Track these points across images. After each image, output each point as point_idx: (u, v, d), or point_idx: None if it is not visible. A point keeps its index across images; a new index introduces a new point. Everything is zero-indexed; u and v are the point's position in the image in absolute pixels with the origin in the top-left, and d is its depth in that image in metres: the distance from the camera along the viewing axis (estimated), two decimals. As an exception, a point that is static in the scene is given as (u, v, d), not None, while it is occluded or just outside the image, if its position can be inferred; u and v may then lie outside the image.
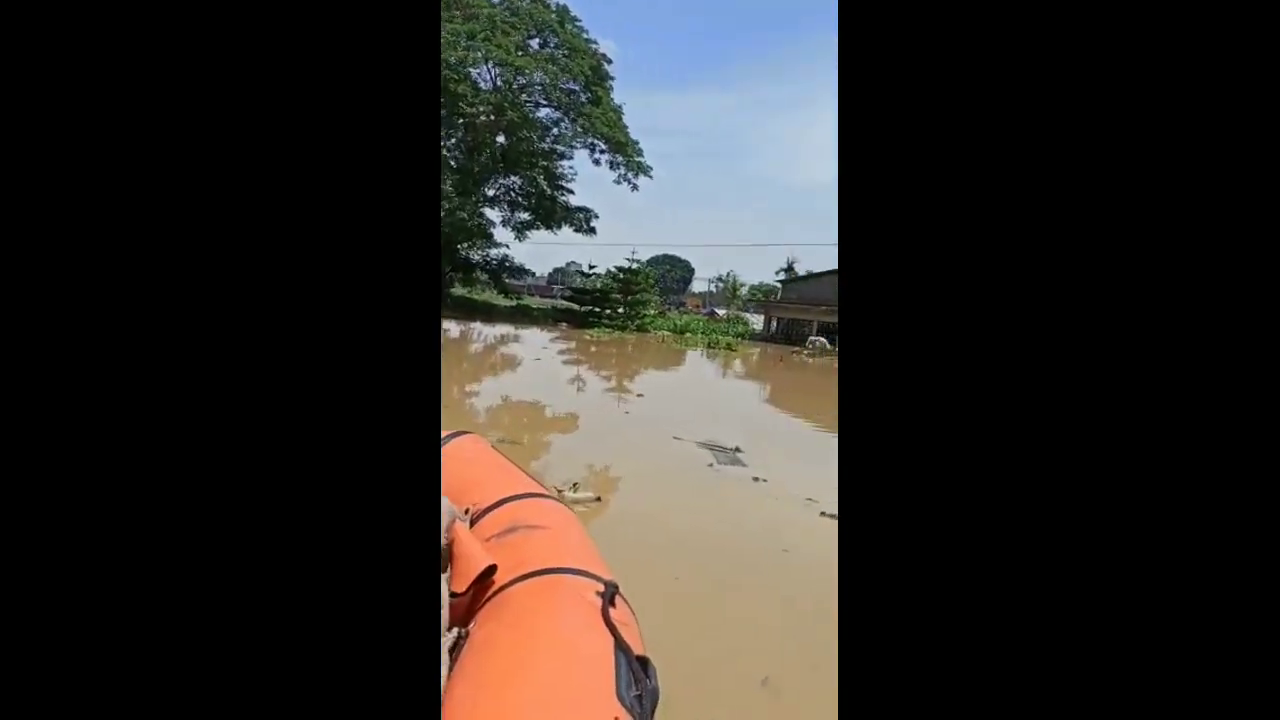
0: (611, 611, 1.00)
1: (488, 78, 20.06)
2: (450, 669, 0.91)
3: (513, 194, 22.11)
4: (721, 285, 45.41)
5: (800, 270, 29.35)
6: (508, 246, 26.48)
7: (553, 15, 20.23)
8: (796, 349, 18.64)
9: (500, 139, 20.66)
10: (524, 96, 20.16)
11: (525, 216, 22.19)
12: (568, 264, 51.96)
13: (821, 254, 44.75)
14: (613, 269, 22.86)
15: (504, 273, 23.97)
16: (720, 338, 19.45)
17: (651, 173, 21.61)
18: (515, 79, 19.60)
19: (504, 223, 22.23)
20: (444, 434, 1.57)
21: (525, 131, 19.94)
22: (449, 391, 5.84)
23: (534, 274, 44.84)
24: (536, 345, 12.41)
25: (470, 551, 1.11)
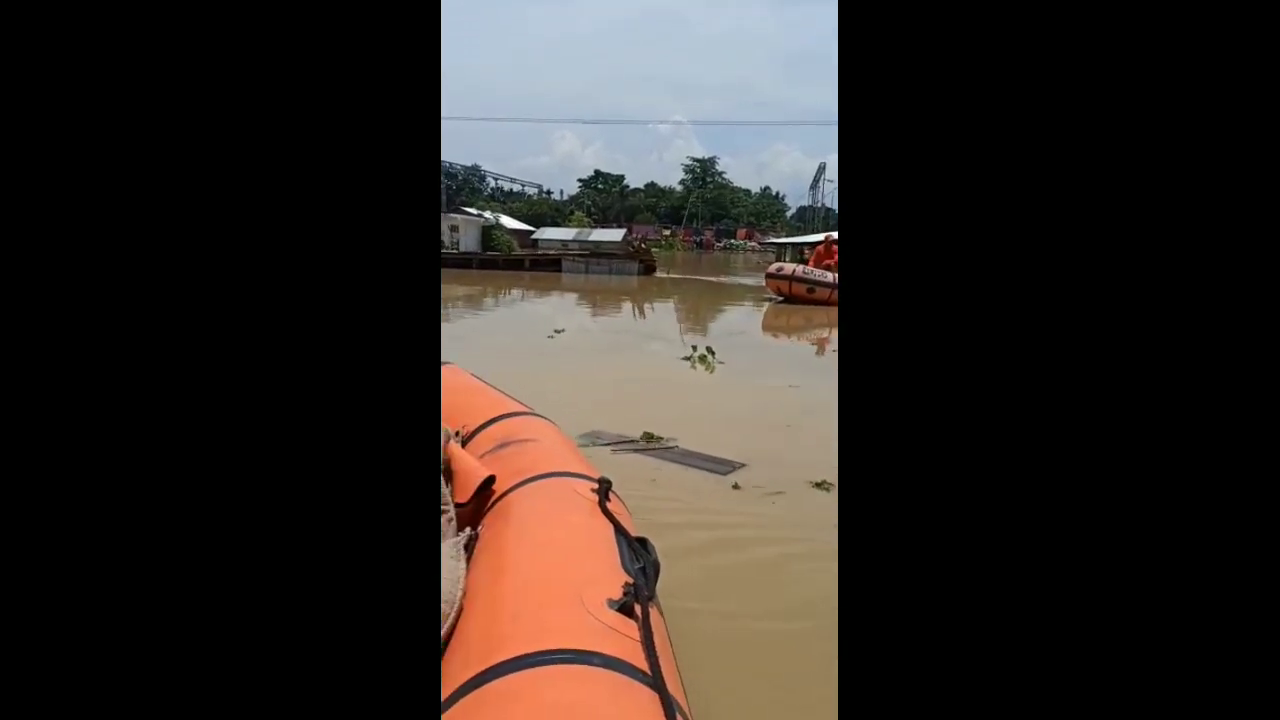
0: (608, 504, 1.13)
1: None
2: (468, 563, 1.01)
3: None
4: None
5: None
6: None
7: None
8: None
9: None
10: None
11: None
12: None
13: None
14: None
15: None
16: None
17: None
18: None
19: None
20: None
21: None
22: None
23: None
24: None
25: (467, 466, 1.22)
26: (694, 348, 5.19)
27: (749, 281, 13.79)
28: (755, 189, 68.60)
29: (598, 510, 1.12)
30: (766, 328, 8.16)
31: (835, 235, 11.59)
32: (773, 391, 4.40)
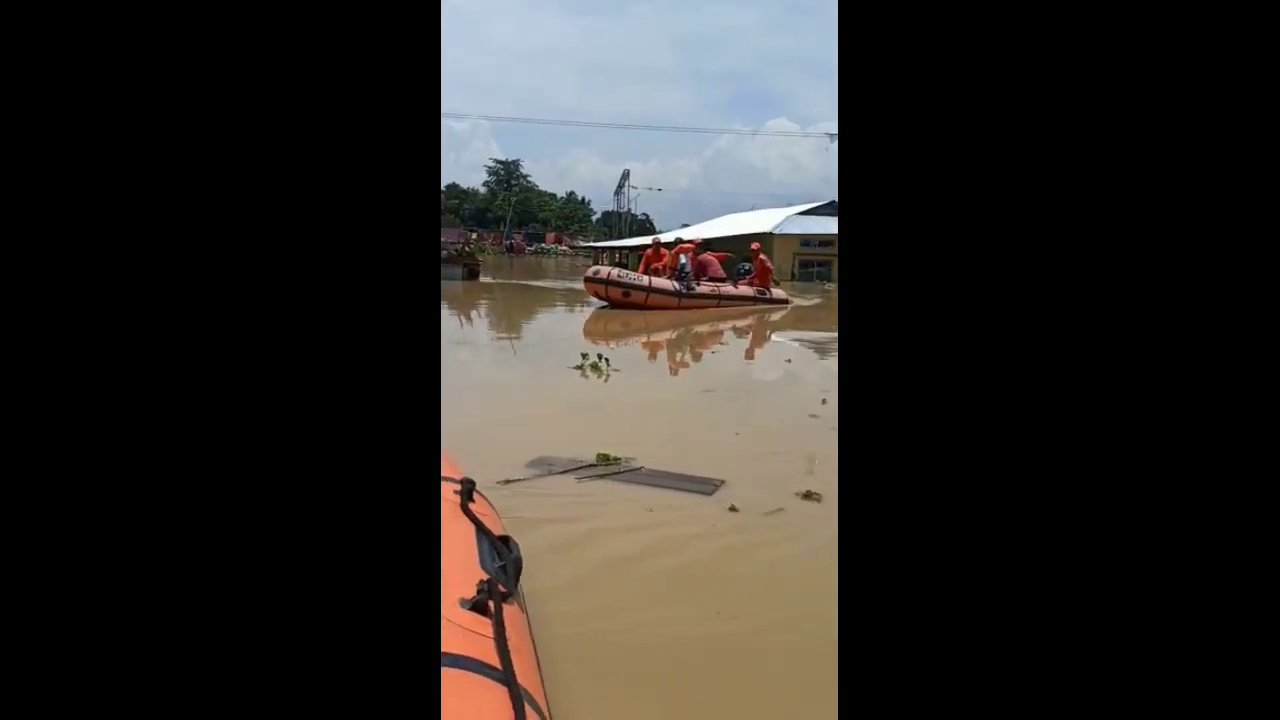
0: (470, 505, 1.15)
1: None
2: None
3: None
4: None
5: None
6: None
7: None
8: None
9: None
10: None
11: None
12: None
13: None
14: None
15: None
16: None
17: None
18: None
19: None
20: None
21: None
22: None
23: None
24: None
25: None
26: (584, 355, 4.94)
27: (577, 286, 13.81)
28: (559, 194, 69.28)
29: (459, 512, 1.13)
30: (595, 334, 7.78)
31: (664, 239, 11.74)
32: (684, 395, 4.26)
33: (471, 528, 1.09)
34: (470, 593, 0.87)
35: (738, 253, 13.10)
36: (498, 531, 1.12)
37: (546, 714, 0.81)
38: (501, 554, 1.04)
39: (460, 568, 0.96)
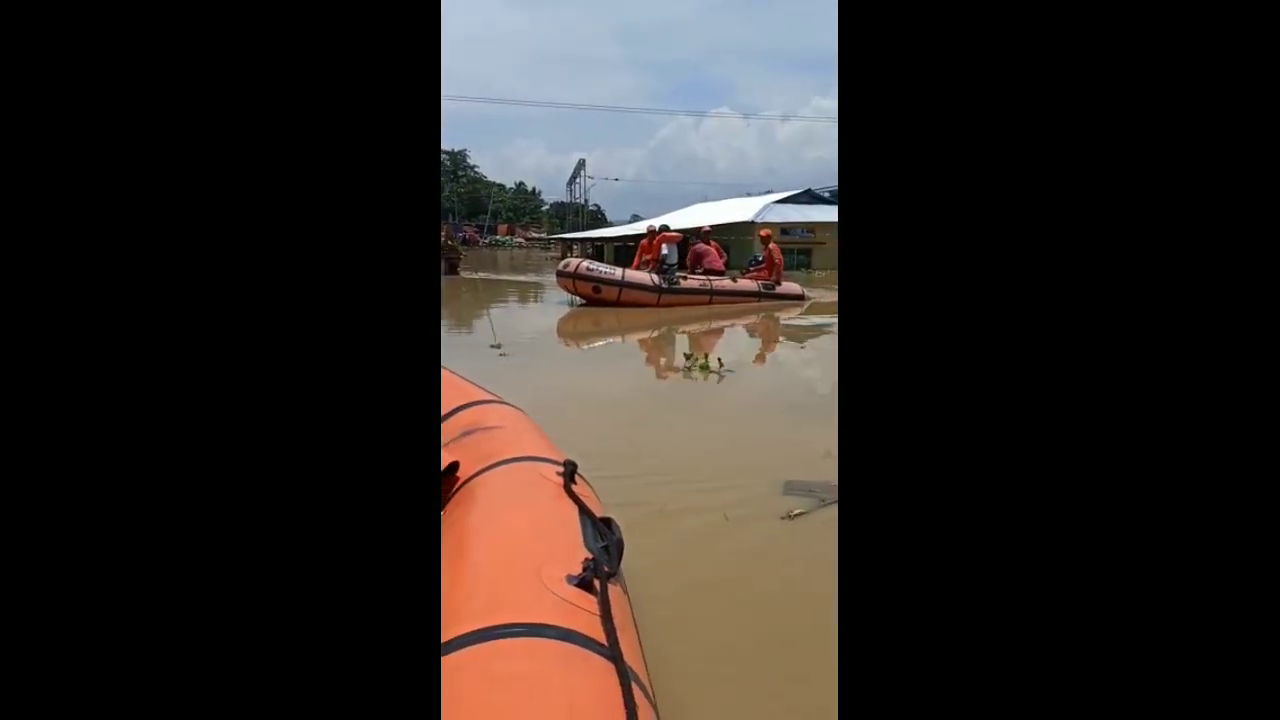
0: (574, 486, 1.19)
1: None
2: None
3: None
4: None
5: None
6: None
7: None
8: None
9: None
10: None
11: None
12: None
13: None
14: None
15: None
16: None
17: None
18: None
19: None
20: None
21: None
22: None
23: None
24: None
25: None
26: (686, 355, 4.59)
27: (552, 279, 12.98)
28: (507, 184, 67.47)
29: (562, 493, 1.17)
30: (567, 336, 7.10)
31: (657, 225, 9.93)
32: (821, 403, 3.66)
33: (575, 508, 1.11)
34: (576, 569, 0.89)
35: (722, 243, 11.58)
36: (599, 513, 1.14)
37: (651, 693, 0.82)
38: (603, 534, 1.05)
39: (565, 545, 0.98)
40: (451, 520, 1.10)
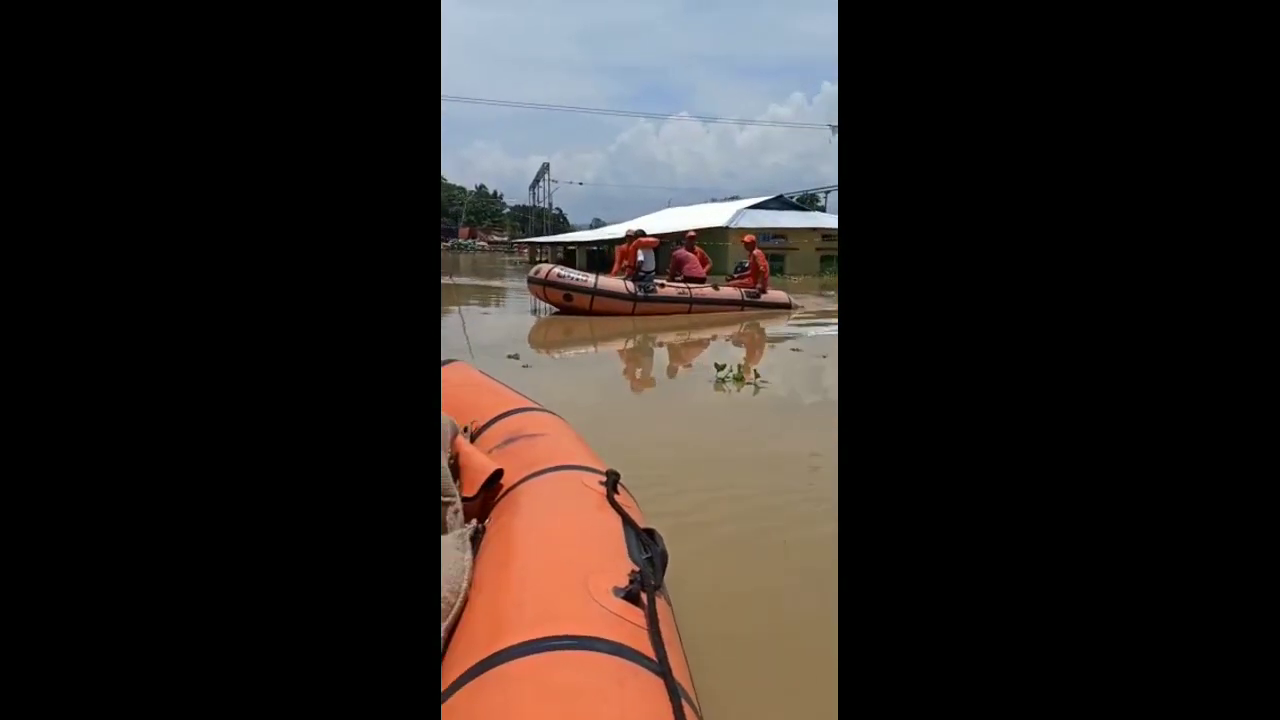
0: (616, 496, 1.18)
1: None
2: (474, 555, 1.01)
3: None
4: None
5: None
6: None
7: None
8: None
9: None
10: None
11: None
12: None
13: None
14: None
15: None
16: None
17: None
18: None
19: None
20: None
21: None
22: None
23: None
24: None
25: (475, 460, 1.24)
26: (718, 366, 4.39)
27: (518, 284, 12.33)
28: (468, 187, 66.62)
29: (605, 502, 1.16)
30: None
31: (633, 230, 9.65)
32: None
33: (619, 519, 1.09)
34: (622, 582, 0.88)
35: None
36: (641, 523, 1.13)
37: (699, 709, 0.81)
38: (647, 546, 1.04)
39: (612, 558, 0.97)
40: (497, 527, 1.11)
